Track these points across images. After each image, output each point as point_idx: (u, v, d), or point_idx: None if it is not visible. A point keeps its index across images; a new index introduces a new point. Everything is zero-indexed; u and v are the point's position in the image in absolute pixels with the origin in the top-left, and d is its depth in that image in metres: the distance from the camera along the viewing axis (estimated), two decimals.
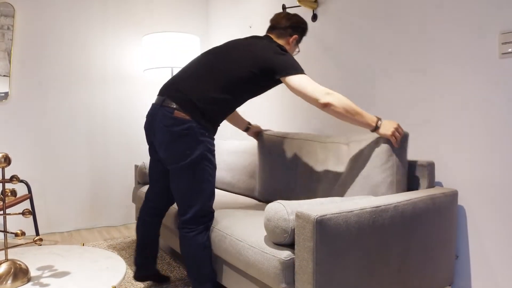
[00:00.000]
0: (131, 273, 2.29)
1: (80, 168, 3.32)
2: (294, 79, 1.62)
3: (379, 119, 1.60)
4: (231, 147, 2.71)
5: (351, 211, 1.30)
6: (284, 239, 1.36)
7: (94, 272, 1.46)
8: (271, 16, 2.92)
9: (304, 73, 1.65)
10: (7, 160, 1.35)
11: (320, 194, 1.88)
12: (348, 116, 1.56)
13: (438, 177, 1.83)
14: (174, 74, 2.18)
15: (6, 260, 1.37)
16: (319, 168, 1.93)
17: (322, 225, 1.22)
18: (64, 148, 3.25)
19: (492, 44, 1.61)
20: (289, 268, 1.33)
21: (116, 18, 3.43)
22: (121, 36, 3.46)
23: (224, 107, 1.71)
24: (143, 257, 2.03)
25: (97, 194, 3.41)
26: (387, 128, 1.59)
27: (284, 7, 2.53)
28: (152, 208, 2.01)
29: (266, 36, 1.87)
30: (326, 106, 1.55)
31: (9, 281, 1.32)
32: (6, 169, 2.98)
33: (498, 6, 1.58)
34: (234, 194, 2.51)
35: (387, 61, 2.05)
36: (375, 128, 1.60)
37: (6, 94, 3.02)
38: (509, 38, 1.53)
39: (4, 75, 3.00)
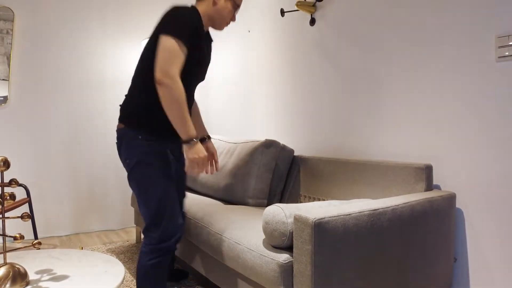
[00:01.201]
0: (129, 277, 2.29)
1: (78, 172, 3.32)
2: (164, 40, 1.48)
3: (195, 140, 1.53)
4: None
5: (349, 214, 1.30)
6: (282, 242, 1.37)
7: (93, 276, 1.46)
8: (269, 20, 2.94)
9: (180, 40, 1.48)
10: (6, 163, 1.35)
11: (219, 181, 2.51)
12: (169, 110, 1.49)
13: (436, 180, 1.84)
14: None
15: (5, 263, 1.37)
16: (227, 158, 2.53)
17: (320, 228, 1.23)
18: (62, 152, 3.25)
19: (488, 48, 1.62)
20: (287, 271, 1.33)
21: (115, 23, 3.44)
22: (120, 41, 3.47)
23: (150, 104, 1.58)
24: None
25: (95, 198, 3.41)
26: (193, 152, 1.53)
27: (282, 11, 2.55)
28: None
29: None
30: (158, 83, 1.46)
31: (8, 285, 1.32)
32: (5, 172, 2.98)
33: (494, 10, 1.59)
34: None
35: (385, 64, 2.06)
36: (186, 143, 1.53)
37: (5, 98, 3.02)
38: (505, 41, 1.55)
39: (3, 79, 3.01)
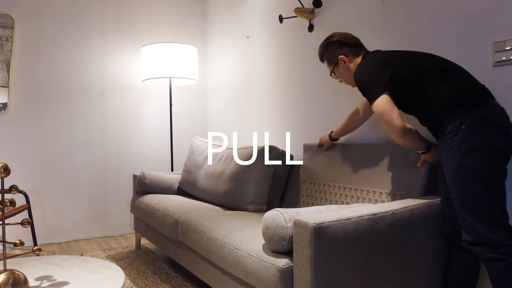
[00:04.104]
0: (129, 283, 2.28)
1: (78, 179, 3.32)
2: None
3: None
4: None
5: (349, 219, 1.31)
6: (282, 247, 1.37)
7: (93, 282, 1.46)
8: (268, 27, 2.95)
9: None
10: (6, 170, 1.36)
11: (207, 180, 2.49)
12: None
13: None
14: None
15: (5, 270, 1.37)
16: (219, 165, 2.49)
17: (320, 233, 1.23)
18: (62, 158, 3.26)
19: (485, 53, 1.63)
20: (287, 276, 1.33)
21: (115, 29, 3.46)
22: (119, 47, 3.49)
23: None
24: None
25: (95, 204, 3.40)
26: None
27: (281, 18, 2.57)
28: None
29: None
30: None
31: None
32: (5, 179, 2.98)
33: (491, 15, 1.61)
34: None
35: None
36: None
37: (5, 105, 3.03)
38: (502, 46, 1.56)
39: (2, 86, 3.02)
